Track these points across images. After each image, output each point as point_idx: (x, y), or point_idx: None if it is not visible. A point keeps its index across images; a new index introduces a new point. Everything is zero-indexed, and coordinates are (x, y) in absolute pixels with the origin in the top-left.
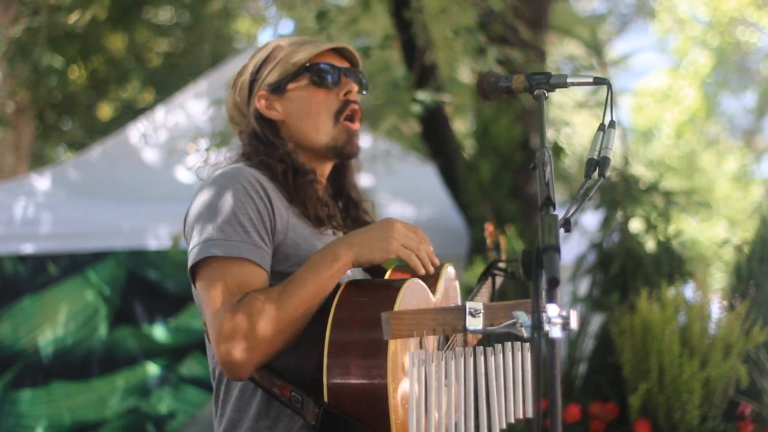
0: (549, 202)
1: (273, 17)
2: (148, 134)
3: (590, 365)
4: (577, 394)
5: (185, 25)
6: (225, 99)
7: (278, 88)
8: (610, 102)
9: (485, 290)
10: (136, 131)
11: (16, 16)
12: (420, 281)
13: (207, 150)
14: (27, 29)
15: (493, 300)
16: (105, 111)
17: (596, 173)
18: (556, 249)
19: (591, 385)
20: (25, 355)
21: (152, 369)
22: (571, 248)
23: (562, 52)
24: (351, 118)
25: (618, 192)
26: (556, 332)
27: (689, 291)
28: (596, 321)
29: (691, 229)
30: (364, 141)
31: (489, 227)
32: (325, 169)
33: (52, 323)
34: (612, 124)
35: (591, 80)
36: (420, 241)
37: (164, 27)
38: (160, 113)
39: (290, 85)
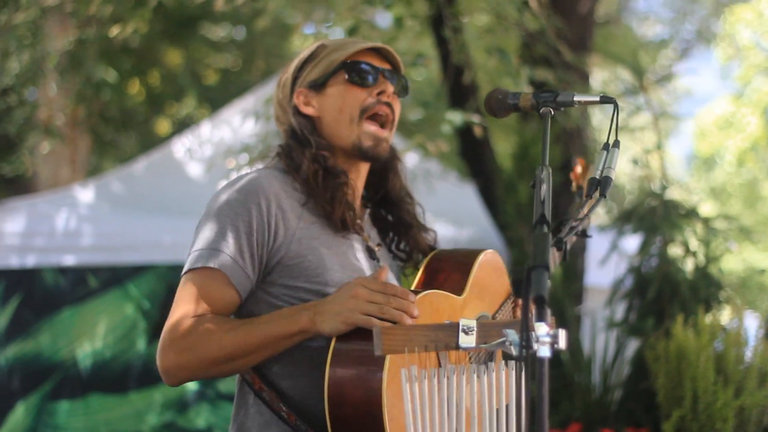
0: (543, 220)
1: (332, 34)
2: (193, 149)
3: (625, 391)
4: (611, 420)
5: (240, 42)
6: (272, 103)
7: (317, 85)
8: (615, 122)
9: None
10: (181, 145)
11: (64, 27)
12: (437, 291)
13: (244, 166)
14: (79, 42)
15: (565, 260)
16: (163, 126)
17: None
18: (545, 267)
19: (625, 410)
20: (63, 367)
21: (190, 384)
22: (609, 272)
23: (616, 75)
24: (375, 117)
25: (657, 217)
26: (544, 351)
27: (726, 318)
28: (632, 346)
29: (738, 257)
30: (410, 159)
31: (577, 168)
32: (361, 170)
33: (91, 336)
34: (616, 143)
35: (598, 99)
36: (387, 299)
37: (220, 43)
38: (205, 128)
39: (328, 82)
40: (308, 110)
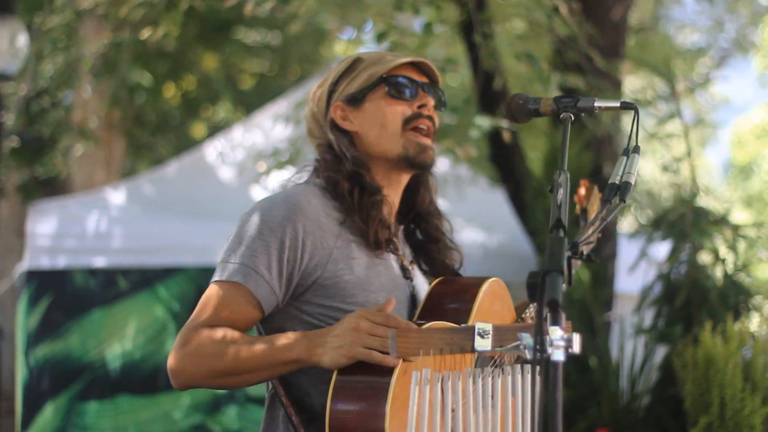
0: (559, 225)
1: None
2: (225, 152)
3: (653, 397)
4: (638, 426)
5: (275, 47)
6: (305, 115)
7: (355, 100)
8: (635, 127)
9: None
10: (213, 149)
11: (99, 31)
12: (440, 323)
13: (272, 170)
14: (113, 45)
15: (570, 284)
16: (199, 130)
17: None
18: (560, 272)
19: (653, 417)
20: (92, 368)
21: None
22: (638, 279)
23: (650, 82)
24: (418, 130)
25: (687, 223)
26: (558, 355)
27: (754, 325)
28: (661, 353)
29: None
30: (441, 164)
31: (581, 189)
32: (401, 182)
33: (121, 337)
34: (636, 149)
35: (618, 105)
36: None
37: (255, 48)
38: (237, 132)
39: (367, 97)
40: (346, 125)
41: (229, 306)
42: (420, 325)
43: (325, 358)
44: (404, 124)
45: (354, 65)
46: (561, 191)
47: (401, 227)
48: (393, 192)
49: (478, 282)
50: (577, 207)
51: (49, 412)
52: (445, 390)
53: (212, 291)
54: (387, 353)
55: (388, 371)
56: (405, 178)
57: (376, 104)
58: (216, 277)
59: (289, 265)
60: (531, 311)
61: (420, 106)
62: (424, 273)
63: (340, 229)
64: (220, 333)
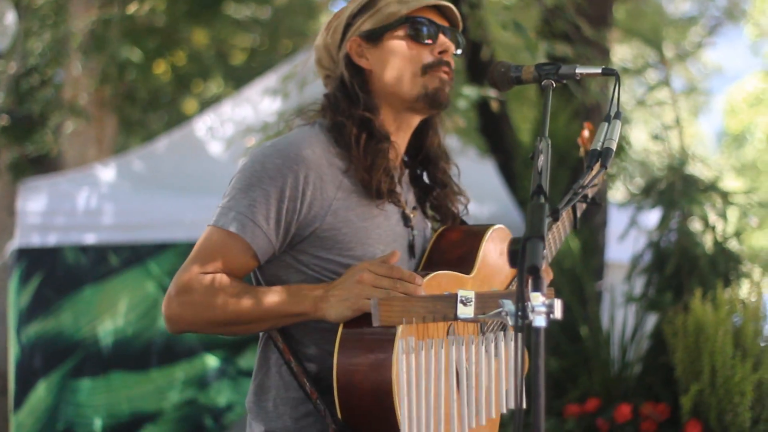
0: (539, 191)
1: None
2: (214, 127)
3: (644, 365)
4: (629, 395)
5: (265, 21)
6: (315, 44)
7: (373, 37)
8: (617, 93)
9: (566, 216)
10: (202, 124)
11: (88, 7)
12: (442, 273)
13: (261, 143)
14: (102, 21)
15: (576, 227)
16: (191, 106)
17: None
18: (540, 238)
19: (644, 385)
20: (85, 345)
21: (211, 361)
22: (628, 247)
23: (639, 50)
24: (438, 74)
25: (676, 191)
26: (540, 321)
27: (744, 292)
28: (651, 321)
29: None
30: None
31: (584, 132)
32: (411, 124)
33: (113, 314)
34: (618, 115)
35: (599, 71)
36: (393, 284)
37: (245, 23)
38: (227, 107)
39: (386, 35)
40: (362, 62)
41: (225, 254)
42: (424, 276)
43: (330, 312)
44: (424, 70)
45: (375, 1)
46: (542, 158)
47: (406, 171)
48: (401, 135)
49: (481, 230)
50: (581, 149)
51: (41, 390)
52: (429, 358)
53: (210, 236)
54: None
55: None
56: (415, 121)
57: (396, 44)
58: (213, 221)
59: (288, 215)
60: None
61: (441, 52)
62: (429, 218)
63: (342, 179)
64: (219, 281)
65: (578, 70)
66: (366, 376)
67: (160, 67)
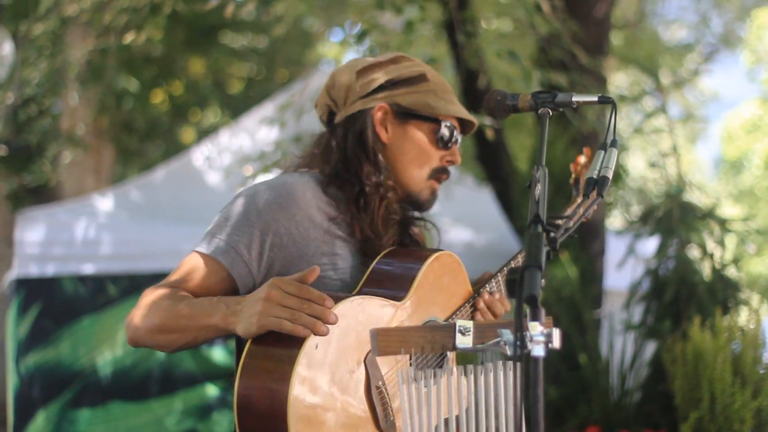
0: (537, 220)
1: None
2: (211, 157)
3: (643, 393)
4: (629, 423)
5: (262, 50)
6: (338, 74)
7: (402, 115)
8: (613, 121)
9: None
10: (200, 154)
11: (85, 37)
12: (367, 299)
13: (259, 173)
14: (99, 51)
15: (554, 258)
16: (188, 135)
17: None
18: (538, 267)
19: (643, 413)
20: (84, 375)
21: (211, 390)
22: (627, 275)
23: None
24: (439, 180)
25: (674, 219)
26: (538, 350)
27: (743, 319)
28: (650, 349)
29: (763, 259)
30: None
31: (580, 158)
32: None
33: (111, 343)
34: (614, 143)
35: (596, 99)
36: (300, 304)
37: (242, 52)
38: (224, 136)
39: (414, 121)
40: (381, 131)
41: (201, 277)
42: (342, 298)
43: (238, 327)
44: (431, 174)
45: (420, 78)
46: (539, 187)
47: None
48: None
49: (425, 254)
50: (572, 176)
51: (41, 421)
52: (429, 387)
53: (189, 260)
54: (299, 324)
55: (298, 343)
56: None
57: (420, 136)
58: (196, 248)
59: (273, 250)
60: (492, 286)
61: (449, 161)
62: None
63: (329, 224)
64: (167, 290)
65: (575, 99)
66: (264, 399)
67: (158, 97)
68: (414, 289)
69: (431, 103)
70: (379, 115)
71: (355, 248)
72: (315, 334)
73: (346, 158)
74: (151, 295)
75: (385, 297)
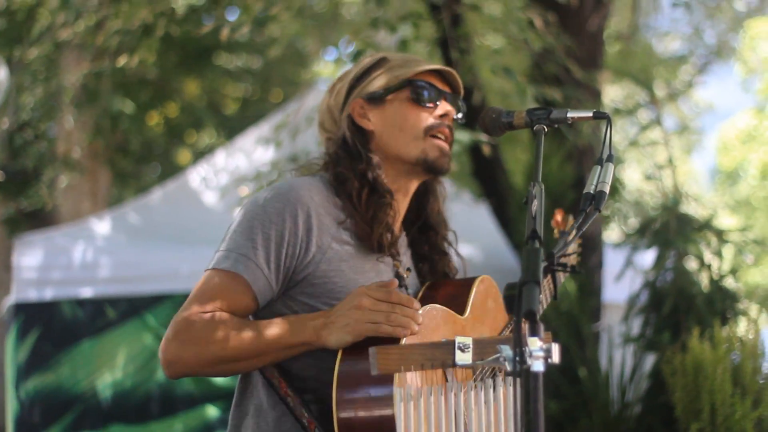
0: (534, 235)
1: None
2: (208, 178)
3: (643, 405)
4: None
5: (257, 71)
6: (318, 108)
7: (376, 99)
8: (609, 136)
9: (546, 286)
10: (196, 175)
11: (80, 61)
12: (438, 307)
13: (255, 193)
14: (94, 75)
15: (556, 297)
16: (184, 157)
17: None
18: (536, 282)
19: (644, 425)
20: (83, 399)
21: (211, 412)
22: (624, 288)
23: (631, 91)
24: (439, 138)
25: (671, 231)
26: (537, 366)
27: (742, 330)
28: (650, 361)
29: (762, 270)
30: None
31: (557, 215)
32: (410, 188)
33: (111, 367)
34: (610, 158)
35: (591, 115)
36: (392, 308)
37: (236, 73)
38: (220, 156)
39: (388, 97)
40: (364, 122)
41: (226, 295)
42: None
43: (331, 339)
44: (425, 132)
45: (379, 63)
46: (536, 202)
47: (404, 234)
48: (401, 198)
49: (470, 279)
50: (555, 231)
51: None
52: (428, 404)
53: (210, 279)
54: (397, 326)
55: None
56: (414, 185)
57: (398, 106)
58: (213, 264)
59: (287, 260)
60: None
61: (441, 116)
62: (423, 281)
63: (338, 229)
64: (220, 316)
65: (570, 115)
66: (366, 410)
67: (153, 119)
68: (470, 306)
69: (396, 74)
70: (356, 110)
71: (362, 252)
72: (411, 334)
73: (338, 158)
74: (196, 327)
75: (451, 309)
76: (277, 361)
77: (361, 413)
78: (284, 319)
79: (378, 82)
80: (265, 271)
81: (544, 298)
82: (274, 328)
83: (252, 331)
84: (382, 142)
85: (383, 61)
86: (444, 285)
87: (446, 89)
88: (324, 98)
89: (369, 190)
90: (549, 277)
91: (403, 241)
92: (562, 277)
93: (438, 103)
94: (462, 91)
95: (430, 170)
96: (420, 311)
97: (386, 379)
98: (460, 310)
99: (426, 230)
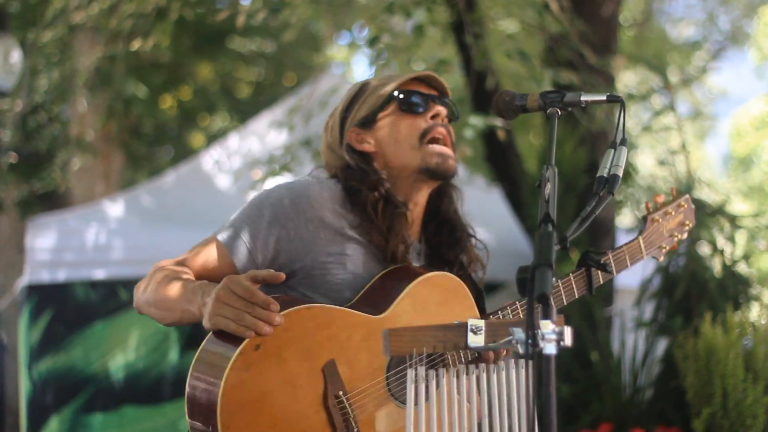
0: (547, 219)
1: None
2: (221, 161)
3: (655, 390)
4: (642, 420)
5: (270, 55)
6: (320, 145)
7: (368, 121)
8: (622, 120)
9: (580, 280)
10: (209, 158)
11: (93, 45)
12: (319, 306)
13: (268, 177)
14: (108, 58)
15: (591, 293)
16: (197, 140)
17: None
18: (549, 265)
19: (656, 409)
20: (96, 380)
21: None
22: (637, 272)
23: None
24: (436, 141)
25: None
26: (550, 348)
27: (754, 315)
28: (662, 345)
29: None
30: None
31: (658, 197)
32: (421, 195)
33: (123, 348)
34: (623, 141)
35: (604, 98)
36: (246, 306)
37: (250, 56)
38: (233, 140)
39: (379, 116)
40: (364, 146)
41: (206, 258)
42: (290, 305)
43: (203, 321)
44: (421, 138)
45: (362, 90)
46: (549, 186)
47: (417, 241)
48: (414, 206)
49: (418, 273)
50: (649, 204)
51: (54, 426)
52: (441, 386)
53: (204, 241)
54: (242, 325)
55: (238, 342)
56: (425, 192)
57: (390, 121)
58: (215, 232)
59: (278, 243)
60: (508, 312)
61: (433, 117)
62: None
63: (343, 226)
64: (170, 268)
65: (583, 98)
66: (203, 392)
67: (166, 102)
68: (394, 306)
69: (379, 93)
70: (353, 138)
71: (371, 254)
72: (258, 335)
73: (351, 170)
74: (157, 268)
75: (360, 310)
76: (187, 322)
77: (198, 392)
78: (198, 284)
79: (365, 106)
80: (249, 245)
81: (563, 292)
82: (179, 290)
83: (174, 287)
84: (385, 158)
85: (365, 86)
86: (390, 277)
87: (432, 92)
88: (322, 138)
89: (384, 202)
90: (583, 271)
91: (414, 248)
92: (600, 276)
93: (427, 107)
94: (449, 92)
95: (435, 176)
96: (284, 313)
97: (221, 367)
98: (380, 309)
99: (445, 228)
